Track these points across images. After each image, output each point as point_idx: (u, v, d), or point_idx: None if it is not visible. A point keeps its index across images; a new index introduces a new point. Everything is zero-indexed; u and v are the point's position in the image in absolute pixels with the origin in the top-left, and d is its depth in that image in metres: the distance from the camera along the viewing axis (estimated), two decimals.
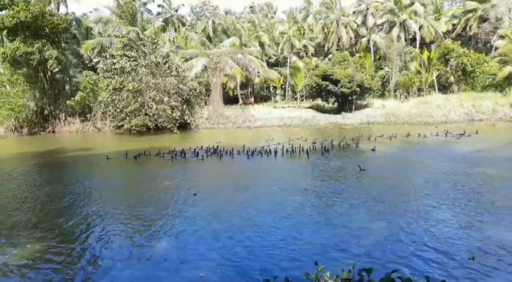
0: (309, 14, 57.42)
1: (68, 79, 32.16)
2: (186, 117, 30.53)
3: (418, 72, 39.85)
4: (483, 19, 46.05)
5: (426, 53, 39.00)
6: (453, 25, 49.93)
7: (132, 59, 28.93)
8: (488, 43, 46.39)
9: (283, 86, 46.18)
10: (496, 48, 41.27)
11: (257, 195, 11.23)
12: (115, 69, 28.64)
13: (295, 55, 50.01)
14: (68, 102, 30.68)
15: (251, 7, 62.16)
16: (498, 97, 32.56)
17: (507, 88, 33.55)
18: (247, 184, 12.62)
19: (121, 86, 28.18)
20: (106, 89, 28.43)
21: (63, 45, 31.05)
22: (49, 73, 30.95)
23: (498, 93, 33.47)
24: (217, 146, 19.37)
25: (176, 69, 30.91)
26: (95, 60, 35.77)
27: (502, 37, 39.88)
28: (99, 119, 30.79)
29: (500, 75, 34.14)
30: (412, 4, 46.56)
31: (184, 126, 30.76)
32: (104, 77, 29.54)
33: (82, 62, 35.86)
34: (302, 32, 51.64)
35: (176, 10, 57.13)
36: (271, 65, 48.01)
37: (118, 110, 28.47)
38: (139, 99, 28.42)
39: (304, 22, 56.15)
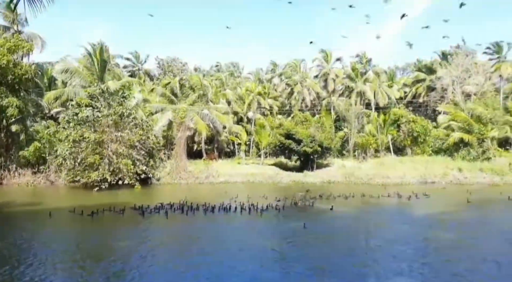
0: (274, 75, 60.69)
1: (24, 129, 30.86)
2: (148, 172, 29.80)
3: (374, 135, 42.25)
4: (431, 89, 50.76)
5: (381, 116, 41.81)
6: (405, 92, 54.49)
7: (96, 109, 28.58)
8: (436, 111, 50.62)
9: (247, 143, 46.95)
10: (445, 113, 44.91)
11: (207, 259, 10.88)
12: (77, 119, 28.02)
13: (260, 113, 51.73)
14: (21, 152, 29.15)
15: (216, 65, 64.84)
16: (448, 161, 34.88)
17: (455, 153, 36.10)
18: (204, 247, 12.25)
19: (82, 137, 27.40)
20: (65, 140, 27.46)
21: (23, 94, 30.23)
22: (5, 122, 29.71)
23: (448, 157, 35.87)
24: (180, 203, 19.00)
25: (141, 121, 30.77)
26: (55, 110, 34.94)
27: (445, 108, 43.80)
28: (54, 171, 29.26)
29: (451, 140, 36.74)
30: (366, 72, 50.72)
31: (145, 181, 29.89)
32: (64, 127, 28.69)
33: (42, 111, 34.83)
34: (267, 91, 54.05)
35: (142, 62, 58.12)
36: (236, 122, 49.08)
37: (76, 162, 27.33)
38: (100, 152, 27.62)
39: (269, 82, 59.01)
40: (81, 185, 27.67)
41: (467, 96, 46.70)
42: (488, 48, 49.40)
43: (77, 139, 27.36)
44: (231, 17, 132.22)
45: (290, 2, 14.78)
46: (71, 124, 28.06)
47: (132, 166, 27.99)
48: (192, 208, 17.80)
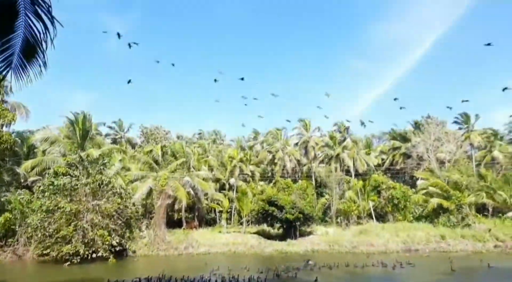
0: (256, 142, 62.02)
1: None
2: (124, 243, 28.43)
3: (355, 201, 42.49)
4: (407, 156, 52.66)
5: (360, 183, 42.51)
6: (382, 159, 56.21)
7: (74, 178, 27.99)
8: (414, 177, 51.90)
9: (229, 210, 46.12)
10: (422, 179, 46.02)
11: None
12: (53, 188, 27.23)
13: (242, 179, 51.72)
14: None
15: (199, 133, 66.11)
16: (430, 227, 34.95)
17: (436, 219, 36.36)
18: None
19: (56, 207, 26.40)
20: (38, 210, 26.34)
21: None
22: None
23: (429, 224, 36.02)
24: (159, 277, 17.93)
25: (119, 190, 30.16)
26: (32, 179, 34.04)
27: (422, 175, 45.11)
28: (22, 244, 27.52)
29: (430, 207, 37.28)
30: (345, 140, 52.64)
31: (120, 253, 28.35)
32: (38, 197, 27.72)
33: (17, 180, 33.82)
34: (249, 158, 54.71)
35: (124, 130, 58.64)
36: (218, 189, 48.67)
37: (47, 234, 25.91)
38: (75, 223, 26.44)
39: (251, 149, 60.06)
40: (51, 259, 25.91)
41: (441, 163, 48.55)
42: (456, 117, 52.82)
43: (51, 209, 26.34)
44: (214, 89, 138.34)
45: (242, 79, 15.95)
46: (46, 193, 27.19)
47: (108, 237, 26.74)
48: None
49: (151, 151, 43.55)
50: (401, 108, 35.42)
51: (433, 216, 37.46)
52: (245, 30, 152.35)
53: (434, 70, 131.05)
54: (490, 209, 39.82)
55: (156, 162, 41.80)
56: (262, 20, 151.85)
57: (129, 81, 27.52)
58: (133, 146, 57.21)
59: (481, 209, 40.52)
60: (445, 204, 36.00)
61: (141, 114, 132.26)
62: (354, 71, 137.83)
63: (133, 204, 32.06)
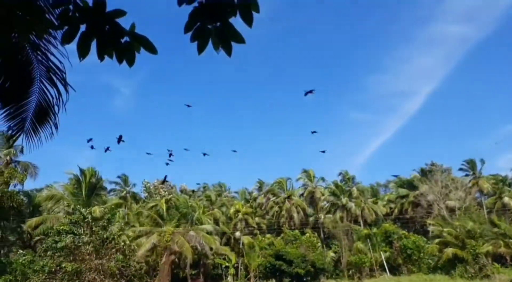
0: (261, 193, 61.46)
1: None
2: None
3: (365, 253, 41.01)
4: (415, 204, 51.75)
5: (372, 232, 41.37)
6: (391, 208, 55.16)
7: (77, 236, 27.42)
8: (424, 226, 50.51)
9: (235, 265, 44.44)
10: (433, 231, 44.77)
11: None
12: (56, 247, 26.60)
13: (248, 232, 50.48)
14: None
15: (204, 186, 65.80)
16: (447, 279, 33.36)
17: (452, 271, 34.77)
18: None
19: (58, 267, 25.60)
20: (39, 270, 25.52)
21: (3, 223, 29.38)
22: None
23: (445, 276, 34.39)
24: None
25: (123, 246, 29.40)
26: (36, 238, 33.45)
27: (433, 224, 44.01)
28: None
29: (445, 257, 35.86)
30: (350, 189, 52.19)
31: None
32: (40, 255, 27.04)
33: (21, 239, 33.28)
34: (254, 210, 53.84)
35: (130, 185, 58.37)
36: (224, 243, 47.32)
37: None
38: None
39: (256, 200, 59.33)
40: None
41: (451, 211, 47.53)
42: (463, 164, 52.72)
43: (53, 269, 25.54)
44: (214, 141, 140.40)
45: (234, 151, 16.47)
46: (49, 253, 26.53)
47: None
48: None
49: (155, 205, 43.16)
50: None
51: (448, 267, 35.87)
52: (244, 86, 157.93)
53: (433, 119, 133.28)
54: (508, 258, 38.14)
55: (161, 216, 41.24)
56: (260, 76, 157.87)
57: (119, 140, 20.00)
58: (137, 201, 56.74)
59: (498, 258, 38.83)
60: (461, 253, 34.65)
61: (145, 169, 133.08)
62: (355, 123, 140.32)
63: (137, 262, 31.04)
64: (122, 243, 29.79)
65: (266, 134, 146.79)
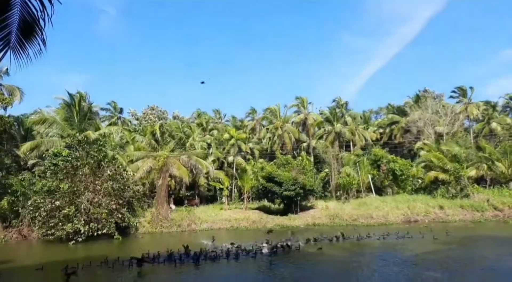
0: (254, 120, 61.78)
1: None
2: (127, 221, 28.67)
3: (353, 175, 42.77)
4: (405, 130, 52.76)
5: (359, 157, 42.78)
6: (380, 134, 56.31)
7: (74, 159, 27.83)
8: (412, 150, 52.21)
9: (229, 188, 46.40)
10: (419, 155, 46.40)
11: None
12: (54, 169, 27.14)
13: (241, 157, 51.79)
14: None
15: (199, 113, 65.61)
16: (428, 199, 35.40)
17: (434, 191, 36.81)
18: None
19: (57, 188, 26.41)
20: (40, 191, 26.33)
21: None
22: None
23: (428, 196, 36.48)
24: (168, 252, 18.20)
25: (120, 170, 30.14)
26: (32, 161, 33.82)
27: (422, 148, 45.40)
28: (27, 225, 27.68)
29: (427, 179, 37.74)
30: (343, 115, 52.56)
31: (124, 231, 28.65)
32: (39, 176, 27.74)
33: (17, 162, 33.63)
34: (247, 135, 54.59)
35: (120, 112, 57.95)
36: (218, 167, 48.75)
37: (50, 214, 26.03)
38: (75, 202, 26.54)
39: (249, 127, 59.85)
40: (56, 239, 26.12)
41: (439, 136, 48.77)
42: (453, 91, 52.70)
43: (52, 189, 26.35)
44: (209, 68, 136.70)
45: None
46: (47, 174, 27.15)
47: (110, 216, 26.96)
48: (181, 258, 17.04)
49: (150, 131, 43.34)
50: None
51: (431, 188, 37.89)
52: (240, 8, 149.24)
53: (430, 45, 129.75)
54: (488, 180, 40.30)
55: (156, 141, 41.70)
56: (256, 3, 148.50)
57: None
58: (130, 127, 56.82)
59: (479, 180, 40.99)
60: (443, 176, 36.36)
61: (136, 95, 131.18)
62: (351, 48, 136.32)
63: (135, 184, 32.10)
64: (119, 166, 30.47)
65: (260, 62, 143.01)
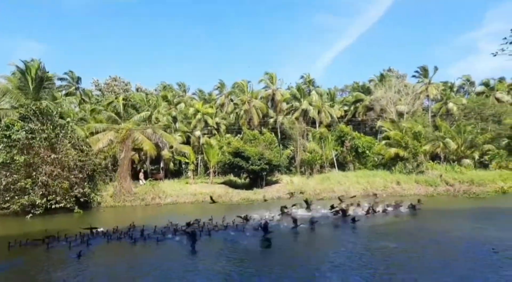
0: (222, 94, 61.01)
1: None
2: (88, 194, 27.87)
3: (318, 151, 43.82)
4: (368, 108, 54.23)
5: (324, 134, 43.71)
6: (345, 111, 57.59)
7: (29, 131, 26.29)
8: (374, 128, 53.99)
9: (195, 162, 46.10)
10: (381, 132, 48.17)
11: None
12: (8, 141, 25.56)
13: (208, 132, 51.34)
14: None
15: (164, 86, 63.71)
16: (387, 174, 37.05)
17: (393, 167, 38.57)
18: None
19: (12, 160, 25.01)
20: None
21: None
22: None
23: (387, 171, 38.16)
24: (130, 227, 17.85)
25: (79, 142, 28.94)
26: None
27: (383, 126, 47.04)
28: None
29: (387, 156, 39.37)
30: (310, 92, 53.04)
31: (85, 205, 27.88)
32: None
33: None
34: (214, 110, 53.99)
35: (78, 82, 55.01)
36: (184, 141, 48.12)
37: (5, 188, 24.74)
38: (32, 175, 25.33)
39: (217, 102, 59.09)
40: (12, 212, 25.02)
41: (400, 115, 50.64)
42: (416, 71, 54.40)
43: (7, 162, 24.94)
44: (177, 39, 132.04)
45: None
46: (1, 146, 25.56)
47: (69, 189, 26.06)
48: (143, 235, 16.55)
49: (111, 103, 41.62)
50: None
51: (390, 164, 39.62)
52: None
53: (397, 24, 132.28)
54: (442, 157, 42.69)
55: (118, 114, 40.21)
56: None
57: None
58: (90, 98, 54.26)
59: (434, 157, 43.33)
60: (402, 153, 38.04)
61: (96, 67, 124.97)
62: (320, 26, 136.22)
63: (96, 156, 31.03)
64: (78, 139, 29.23)
65: (231, 38, 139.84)
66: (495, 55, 7.47)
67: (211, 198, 29.25)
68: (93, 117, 40.61)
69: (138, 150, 38.16)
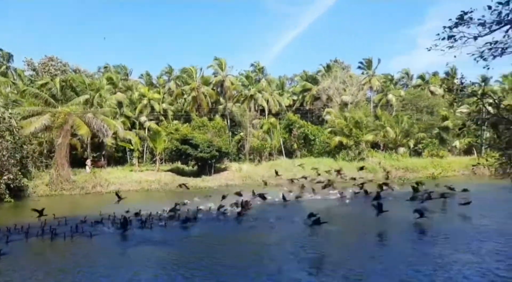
0: (170, 79, 59.01)
1: None
2: (19, 183, 25.66)
3: (267, 139, 44.40)
4: (315, 98, 55.74)
5: (273, 122, 44.30)
6: (294, 100, 58.68)
7: None
8: (320, 117, 55.69)
9: (140, 149, 44.37)
10: (327, 122, 49.84)
11: None
12: None
13: (154, 118, 49.55)
14: None
15: (105, 67, 60.02)
16: (331, 161, 38.61)
17: (337, 155, 40.25)
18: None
19: None
20: None
21: None
22: None
23: (331, 158, 39.73)
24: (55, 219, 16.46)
25: (9, 126, 26.43)
26: None
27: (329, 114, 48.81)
28: None
29: (332, 144, 40.91)
30: (260, 80, 53.20)
31: (17, 194, 25.66)
32: None
33: None
34: (161, 95, 52.15)
35: (9, 60, 50.08)
36: (128, 127, 45.94)
37: None
38: None
39: (164, 87, 57.09)
40: None
41: (345, 105, 52.73)
42: (360, 62, 56.71)
43: None
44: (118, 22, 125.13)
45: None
46: None
47: None
48: (76, 227, 14.98)
49: (46, 84, 38.32)
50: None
51: (335, 152, 41.30)
52: None
53: (346, 14, 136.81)
54: (382, 145, 45.34)
55: (54, 96, 37.16)
56: None
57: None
58: (22, 79, 49.60)
59: (374, 145, 45.87)
60: (346, 141, 39.78)
61: (31, 46, 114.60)
62: (274, 14, 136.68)
63: (30, 142, 28.60)
64: (7, 122, 26.69)
65: (182, 23, 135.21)
66: (429, 50, 8.01)
67: (184, 185, 27.01)
68: (25, 99, 37.17)
69: (77, 135, 35.75)
